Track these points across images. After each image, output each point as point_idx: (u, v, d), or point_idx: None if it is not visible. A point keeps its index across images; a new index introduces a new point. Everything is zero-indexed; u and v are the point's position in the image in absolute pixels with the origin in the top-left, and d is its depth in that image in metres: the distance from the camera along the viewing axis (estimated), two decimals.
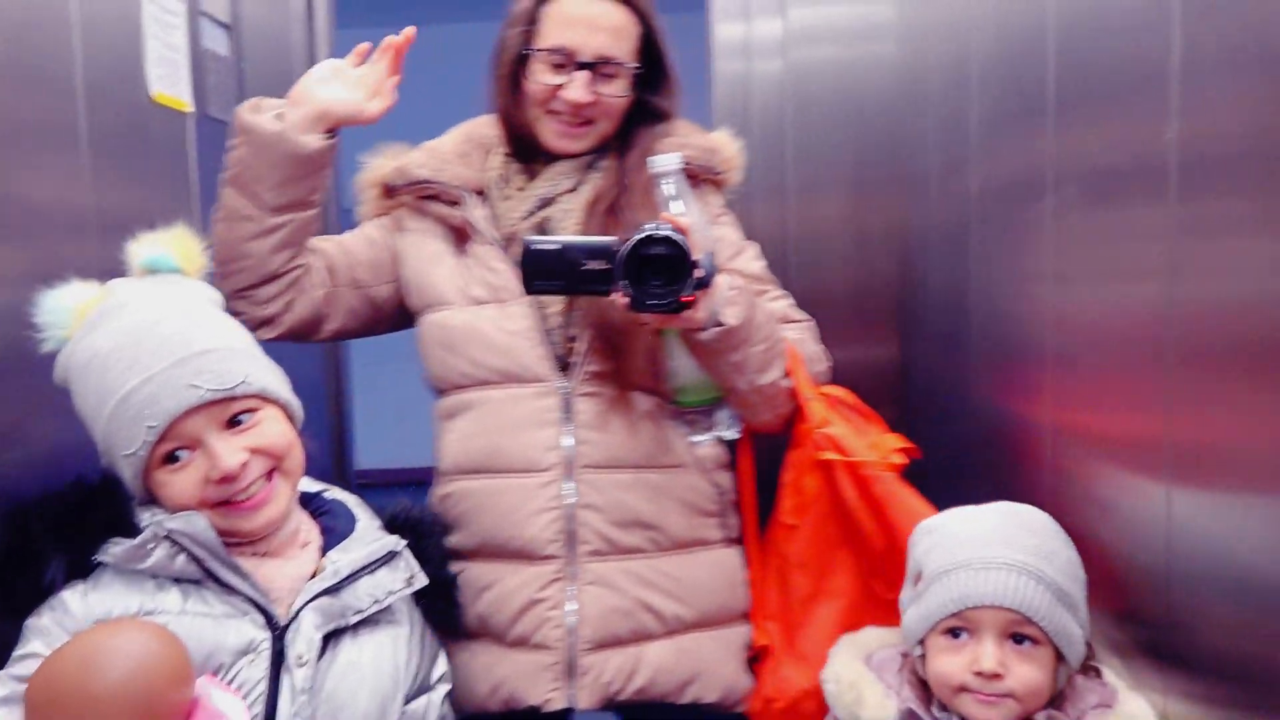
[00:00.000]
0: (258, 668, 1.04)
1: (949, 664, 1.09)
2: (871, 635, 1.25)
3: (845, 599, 1.43)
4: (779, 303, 1.48)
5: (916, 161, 1.88)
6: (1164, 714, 1.02)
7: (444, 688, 1.23)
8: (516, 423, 1.35)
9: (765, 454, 1.48)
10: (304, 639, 1.06)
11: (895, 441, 1.44)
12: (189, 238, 1.17)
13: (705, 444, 1.42)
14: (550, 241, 1.23)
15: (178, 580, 1.05)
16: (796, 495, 1.42)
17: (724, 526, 1.44)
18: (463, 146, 1.46)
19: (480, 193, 1.43)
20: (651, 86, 1.43)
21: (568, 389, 1.35)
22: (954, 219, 1.67)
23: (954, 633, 1.09)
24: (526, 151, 1.44)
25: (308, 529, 1.17)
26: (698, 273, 1.20)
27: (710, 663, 1.39)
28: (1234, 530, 0.90)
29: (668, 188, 1.33)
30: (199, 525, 1.04)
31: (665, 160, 1.34)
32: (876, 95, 2.02)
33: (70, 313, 1.08)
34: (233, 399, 1.05)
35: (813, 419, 1.39)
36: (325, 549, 1.15)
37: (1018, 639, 1.07)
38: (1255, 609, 0.87)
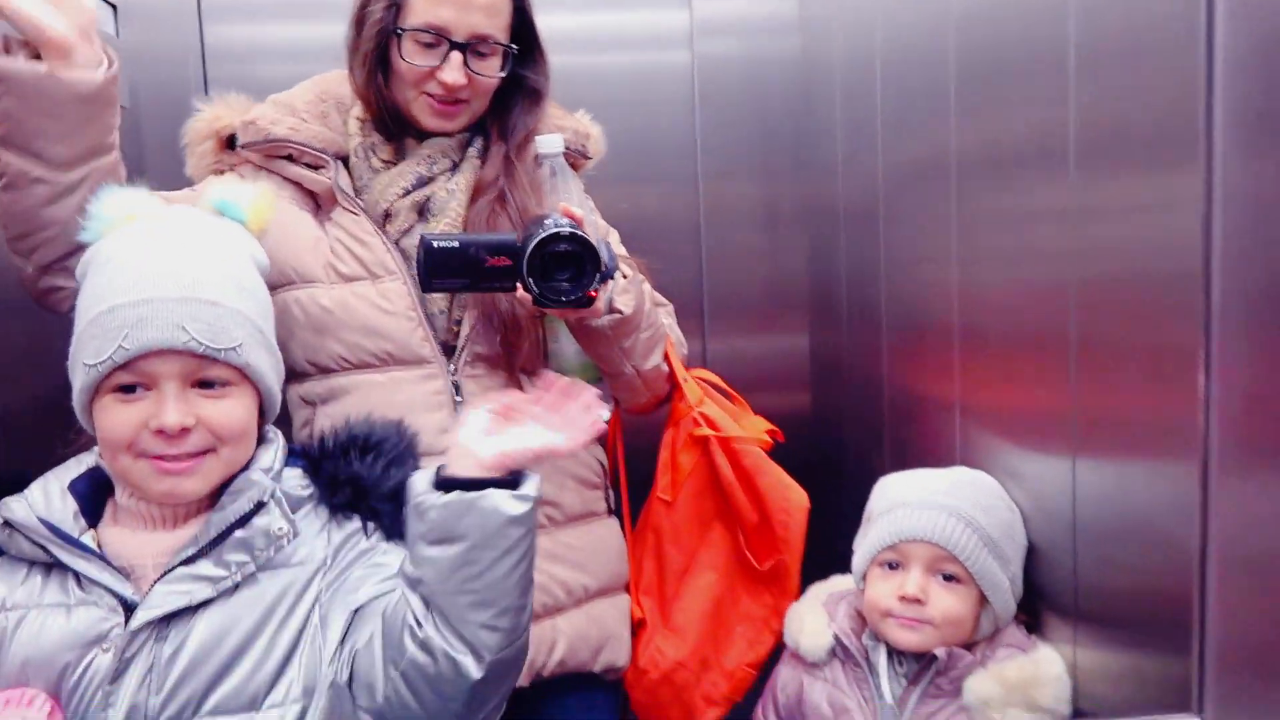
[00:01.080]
0: (110, 656, 0.97)
1: (878, 590, 1.19)
2: (840, 581, 1.32)
3: (717, 572, 1.49)
4: (645, 285, 1.47)
5: (823, 151, 1.92)
6: (1073, 663, 1.08)
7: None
8: (404, 407, 1.28)
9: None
10: (145, 619, 0.97)
11: (763, 423, 1.52)
12: (268, 198, 1.14)
13: None
14: (449, 238, 1.22)
15: (44, 564, 1.00)
16: (672, 471, 1.48)
17: (606, 498, 1.48)
18: (318, 105, 1.37)
19: (341, 157, 1.37)
20: (524, 63, 1.39)
21: (452, 371, 1.34)
22: (862, 206, 1.71)
23: (890, 565, 1.19)
24: (392, 126, 1.37)
25: None
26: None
27: (615, 628, 1.44)
28: (1135, 494, 0.95)
29: (550, 171, 1.32)
30: (30, 521, 0.99)
31: (550, 142, 1.32)
32: (781, 87, 2.06)
33: (120, 214, 1.04)
34: (214, 360, 0.99)
35: (690, 398, 1.45)
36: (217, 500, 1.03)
37: (946, 577, 1.15)
38: (1156, 564, 0.93)
